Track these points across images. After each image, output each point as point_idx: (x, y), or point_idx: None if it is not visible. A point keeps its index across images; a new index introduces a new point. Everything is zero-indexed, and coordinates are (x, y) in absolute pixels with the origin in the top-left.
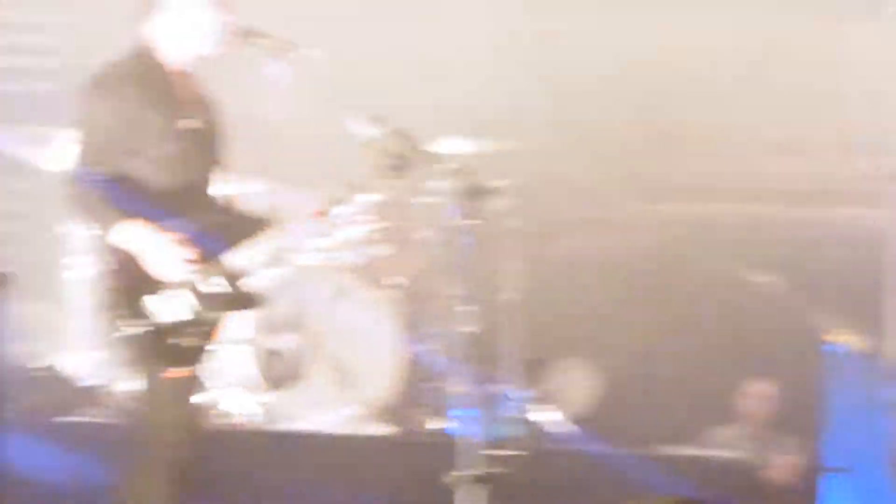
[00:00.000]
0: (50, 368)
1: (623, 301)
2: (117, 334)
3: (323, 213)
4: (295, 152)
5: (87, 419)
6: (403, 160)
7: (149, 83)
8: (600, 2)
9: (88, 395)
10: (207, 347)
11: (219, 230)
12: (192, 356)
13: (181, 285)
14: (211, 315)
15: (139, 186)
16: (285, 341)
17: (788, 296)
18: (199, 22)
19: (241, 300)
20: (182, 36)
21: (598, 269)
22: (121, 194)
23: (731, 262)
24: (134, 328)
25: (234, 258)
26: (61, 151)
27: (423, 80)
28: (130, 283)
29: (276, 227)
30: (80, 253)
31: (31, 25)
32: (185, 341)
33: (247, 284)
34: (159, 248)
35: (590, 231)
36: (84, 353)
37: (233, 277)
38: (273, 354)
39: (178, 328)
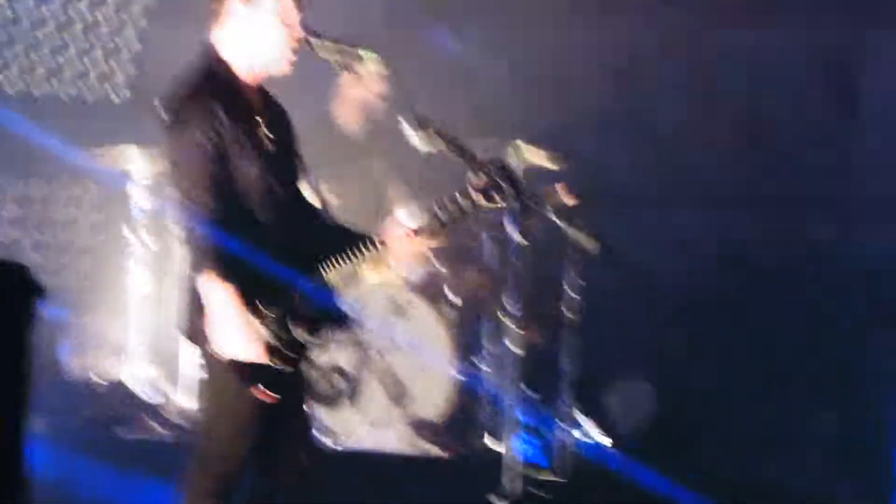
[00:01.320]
0: (114, 382)
1: (684, 317)
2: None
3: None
4: (357, 161)
5: (148, 436)
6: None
7: (228, 100)
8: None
9: (151, 411)
10: (295, 371)
11: (312, 242)
12: (280, 379)
13: (277, 313)
14: (313, 339)
15: (227, 216)
16: (338, 356)
17: None
18: (265, 39)
19: (338, 322)
20: (249, 51)
21: (659, 283)
22: (221, 230)
23: (793, 275)
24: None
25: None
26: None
27: (482, 86)
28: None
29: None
30: (143, 263)
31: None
32: (285, 367)
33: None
34: (232, 324)
35: (651, 243)
36: (148, 368)
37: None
38: (325, 370)
39: (278, 353)
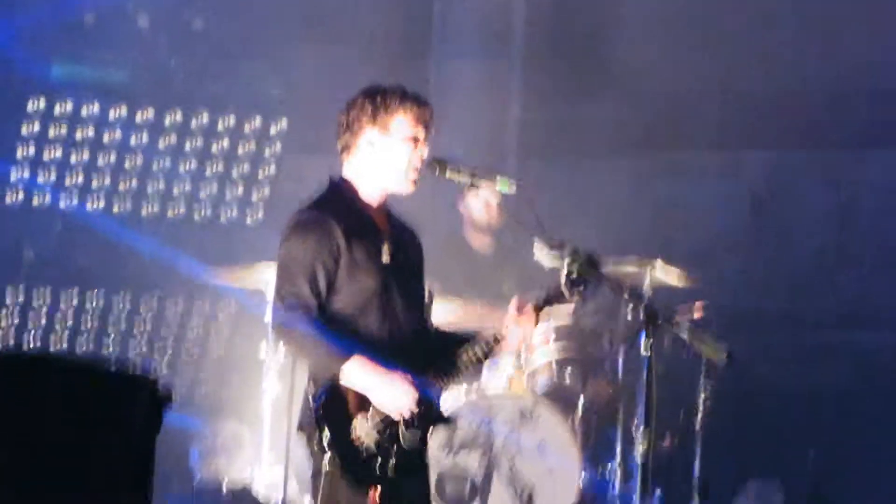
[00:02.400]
0: (244, 488)
1: (814, 430)
2: (323, 460)
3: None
4: (488, 276)
5: None
6: (587, 285)
7: (349, 217)
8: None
9: None
10: (408, 472)
11: (422, 360)
12: (394, 481)
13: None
14: (414, 436)
15: (344, 325)
16: (466, 460)
17: None
18: (392, 160)
19: (439, 419)
20: (378, 173)
21: (791, 395)
22: (329, 334)
23: None
24: (340, 454)
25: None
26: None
27: (616, 211)
28: (337, 410)
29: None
30: (274, 375)
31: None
32: (389, 466)
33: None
34: (389, 387)
35: (784, 358)
36: (274, 472)
37: (428, 397)
38: (453, 473)
39: (381, 453)
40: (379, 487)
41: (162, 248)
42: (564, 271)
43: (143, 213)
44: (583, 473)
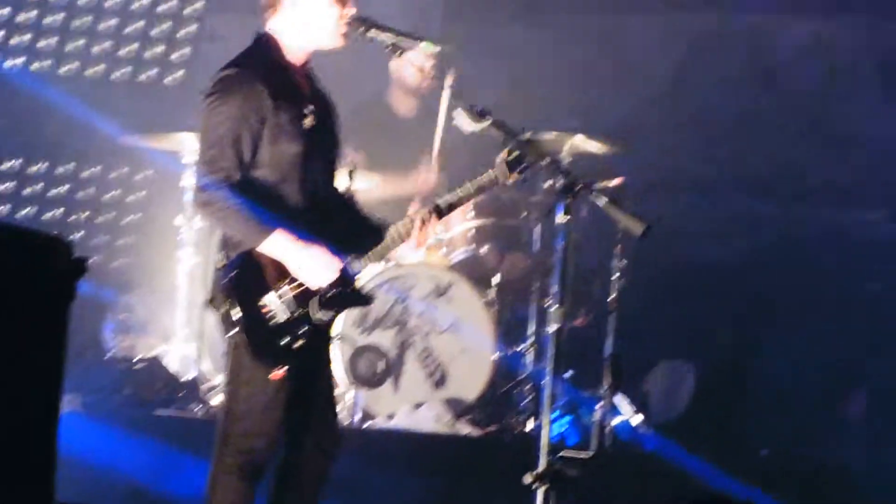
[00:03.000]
0: (154, 360)
1: (729, 307)
2: (231, 332)
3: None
4: (410, 145)
5: (186, 414)
6: (513, 156)
7: (274, 77)
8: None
9: (190, 389)
10: (315, 348)
11: (340, 229)
12: (301, 358)
13: (302, 287)
14: (326, 315)
15: (265, 194)
16: (380, 337)
17: None
18: (320, 16)
19: (356, 299)
20: (302, 30)
21: (707, 270)
22: (252, 204)
23: (847, 267)
24: (248, 326)
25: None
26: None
27: (540, 77)
28: (249, 282)
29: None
30: (191, 246)
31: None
32: (297, 342)
33: (357, 281)
34: (311, 257)
35: (702, 230)
36: (188, 347)
37: (346, 276)
38: (367, 350)
39: (291, 328)
40: (285, 363)
41: (80, 107)
42: (504, 154)
43: (62, 71)
44: (496, 351)
